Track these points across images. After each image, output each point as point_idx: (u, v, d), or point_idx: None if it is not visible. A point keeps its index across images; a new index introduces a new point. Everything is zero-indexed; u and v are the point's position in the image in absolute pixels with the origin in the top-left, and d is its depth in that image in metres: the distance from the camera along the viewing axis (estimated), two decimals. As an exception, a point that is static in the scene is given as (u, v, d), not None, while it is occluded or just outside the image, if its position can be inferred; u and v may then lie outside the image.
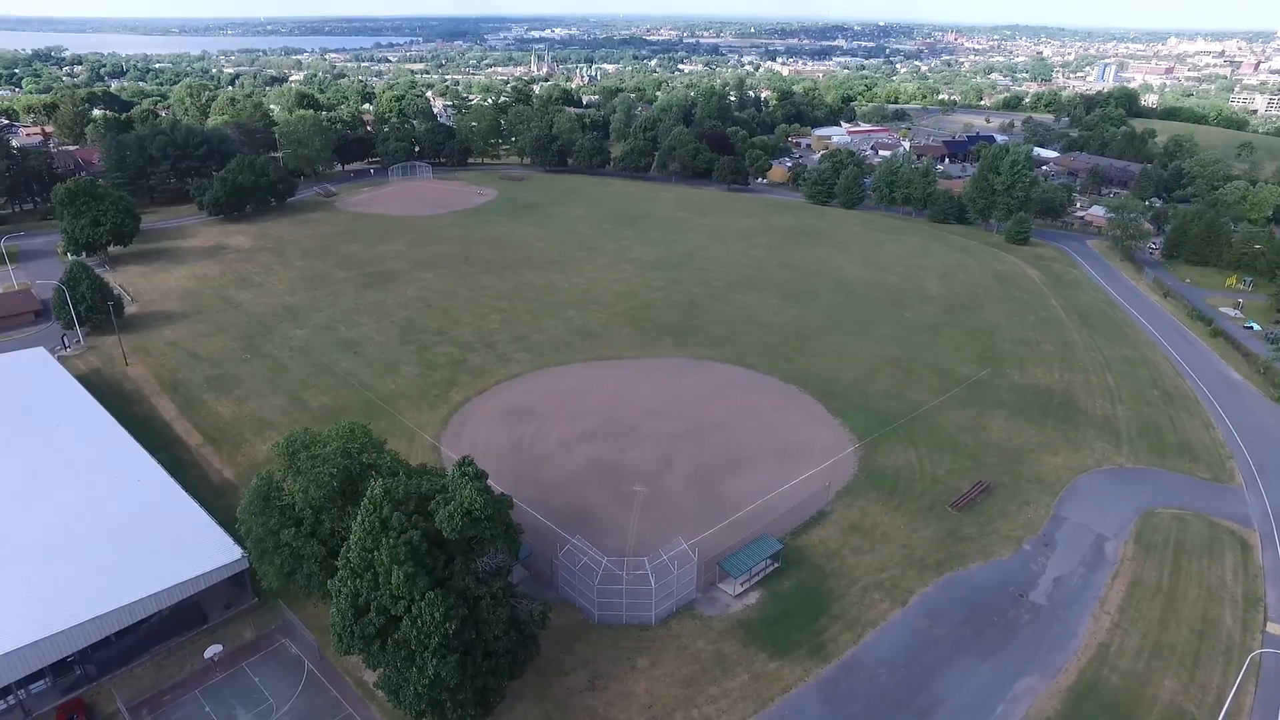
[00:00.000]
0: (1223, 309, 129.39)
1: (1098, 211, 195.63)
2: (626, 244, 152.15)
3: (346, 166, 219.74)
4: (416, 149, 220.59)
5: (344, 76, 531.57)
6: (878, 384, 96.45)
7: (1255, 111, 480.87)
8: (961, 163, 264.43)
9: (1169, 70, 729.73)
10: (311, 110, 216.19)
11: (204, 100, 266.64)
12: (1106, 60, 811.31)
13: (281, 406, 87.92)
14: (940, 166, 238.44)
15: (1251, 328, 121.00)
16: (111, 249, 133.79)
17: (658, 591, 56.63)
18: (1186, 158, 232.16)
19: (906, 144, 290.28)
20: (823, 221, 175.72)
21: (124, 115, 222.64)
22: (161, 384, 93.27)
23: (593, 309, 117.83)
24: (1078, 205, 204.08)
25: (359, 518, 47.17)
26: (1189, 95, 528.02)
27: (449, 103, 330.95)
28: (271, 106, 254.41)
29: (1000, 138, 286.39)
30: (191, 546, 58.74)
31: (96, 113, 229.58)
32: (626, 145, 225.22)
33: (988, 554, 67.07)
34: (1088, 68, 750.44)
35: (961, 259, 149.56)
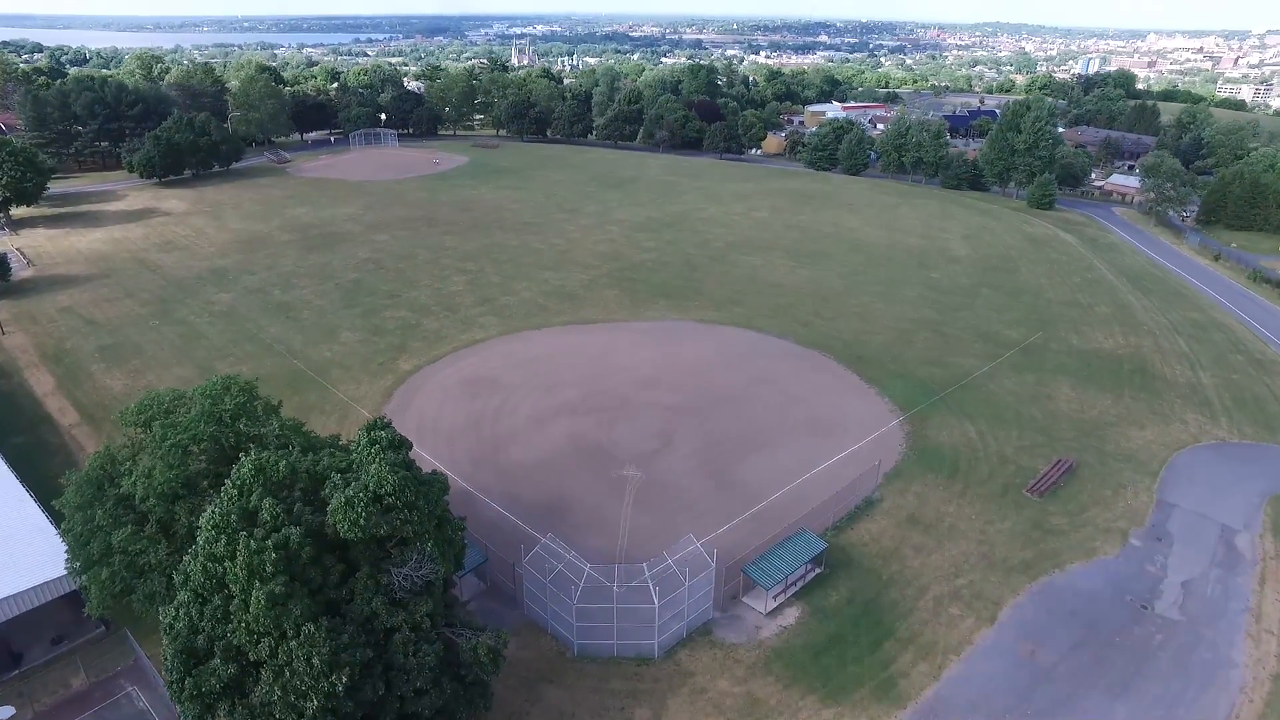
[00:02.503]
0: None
1: (1118, 180, 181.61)
2: (612, 206, 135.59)
3: (305, 136, 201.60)
4: (383, 117, 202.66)
5: (316, 65, 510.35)
6: (913, 349, 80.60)
7: (1244, 101, 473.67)
8: (964, 137, 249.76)
9: (1152, 64, 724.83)
10: (268, 75, 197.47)
11: (156, 73, 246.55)
12: (1089, 55, 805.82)
13: (187, 378, 70.46)
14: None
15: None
16: (14, 211, 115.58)
17: (663, 610, 40.18)
18: (1204, 128, 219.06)
19: (914, 115, 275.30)
20: (827, 186, 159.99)
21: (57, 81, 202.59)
22: (42, 355, 75.80)
23: (573, 270, 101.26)
24: (1094, 176, 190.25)
25: (209, 510, 30.57)
26: (1175, 87, 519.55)
27: (422, 81, 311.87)
28: (231, 82, 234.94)
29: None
30: (7, 556, 41.74)
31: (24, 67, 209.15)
32: (611, 112, 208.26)
33: (1088, 552, 51.24)
34: (1070, 61, 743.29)
35: (985, 221, 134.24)
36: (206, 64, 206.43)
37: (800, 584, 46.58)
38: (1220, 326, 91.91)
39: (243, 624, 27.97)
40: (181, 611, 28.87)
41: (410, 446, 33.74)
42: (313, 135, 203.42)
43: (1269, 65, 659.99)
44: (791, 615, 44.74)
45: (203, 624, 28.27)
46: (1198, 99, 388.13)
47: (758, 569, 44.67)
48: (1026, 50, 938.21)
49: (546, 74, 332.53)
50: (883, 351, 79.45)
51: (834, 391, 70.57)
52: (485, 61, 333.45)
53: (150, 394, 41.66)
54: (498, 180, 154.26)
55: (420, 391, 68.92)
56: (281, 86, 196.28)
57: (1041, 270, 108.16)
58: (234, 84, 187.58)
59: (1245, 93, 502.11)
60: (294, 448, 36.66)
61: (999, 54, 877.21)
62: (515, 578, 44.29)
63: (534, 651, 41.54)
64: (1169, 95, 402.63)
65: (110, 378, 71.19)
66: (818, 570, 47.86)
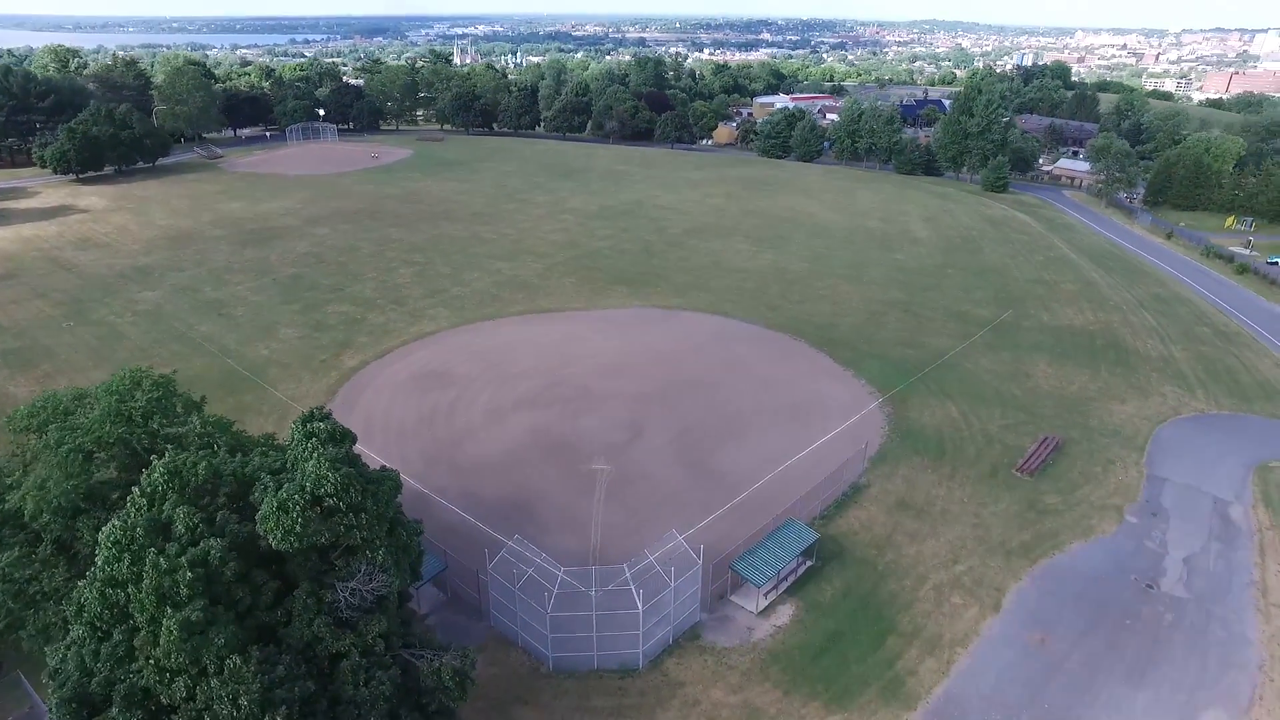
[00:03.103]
0: (1232, 249, 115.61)
1: (1066, 164, 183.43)
2: (564, 195, 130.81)
3: (239, 132, 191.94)
4: (321, 112, 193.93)
5: (250, 64, 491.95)
6: (886, 330, 77.93)
7: (1170, 93, 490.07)
8: (913, 126, 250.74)
9: (1081, 60, 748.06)
10: (197, 68, 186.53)
11: (74, 68, 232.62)
12: (1023, 50, 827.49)
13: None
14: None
15: (1276, 263, 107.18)
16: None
17: (647, 615, 36.01)
18: (1141, 114, 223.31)
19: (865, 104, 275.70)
20: (782, 172, 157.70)
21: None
22: (-62, 361, 68.26)
23: (527, 259, 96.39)
24: (1041, 161, 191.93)
25: (109, 525, 25.43)
26: (1105, 80, 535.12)
27: (362, 76, 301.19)
28: (157, 76, 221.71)
29: (948, 103, 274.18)
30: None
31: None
32: (559, 104, 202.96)
33: (1086, 530, 48.67)
34: (1005, 56, 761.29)
35: (943, 204, 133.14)
36: (129, 58, 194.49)
37: (792, 578, 42.90)
38: (1183, 301, 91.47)
39: (151, 661, 22.96)
40: (72, 651, 23.73)
41: (354, 439, 29.05)
42: (246, 131, 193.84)
43: (1186, 61, 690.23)
44: (785, 613, 41.01)
45: (99, 665, 23.15)
46: (1130, 90, 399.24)
47: (747, 565, 40.83)
48: (963, 46, 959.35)
49: (491, 68, 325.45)
50: (855, 333, 76.58)
51: (809, 375, 67.27)
52: (428, 56, 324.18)
53: (45, 395, 36.02)
54: (444, 172, 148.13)
55: (367, 388, 63.56)
56: (212, 81, 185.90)
57: (1004, 250, 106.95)
58: (160, 78, 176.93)
59: (1169, 85, 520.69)
60: (219, 448, 31.57)
61: (937, 50, 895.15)
62: (479, 586, 39.64)
63: (504, 668, 37.00)
64: (1103, 87, 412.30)
65: (14, 384, 64.21)
66: (809, 563, 44.26)
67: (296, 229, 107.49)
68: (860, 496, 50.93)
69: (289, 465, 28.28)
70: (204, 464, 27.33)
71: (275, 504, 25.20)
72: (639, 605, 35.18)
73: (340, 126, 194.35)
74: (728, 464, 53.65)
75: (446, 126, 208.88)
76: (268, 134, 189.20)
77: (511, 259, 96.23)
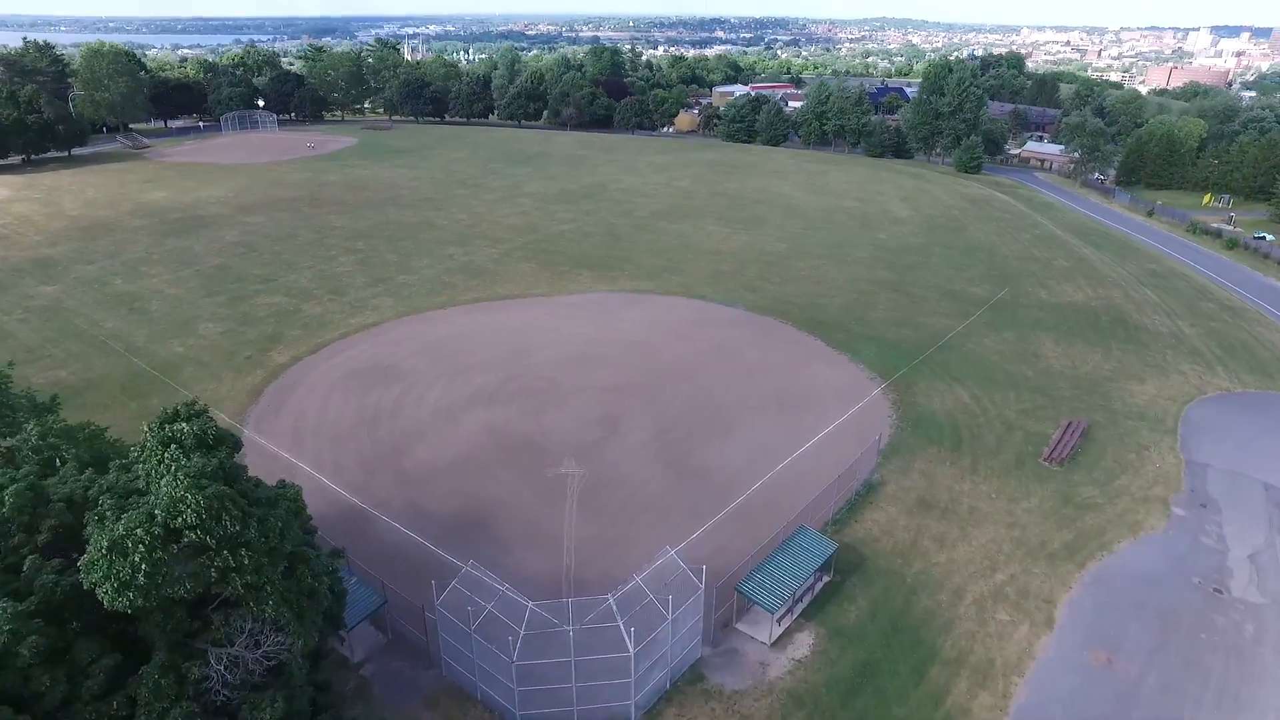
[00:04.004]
0: (1215, 225, 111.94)
1: (1034, 147, 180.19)
2: (520, 180, 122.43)
3: (169, 123, 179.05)
4: (260, 102, 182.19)
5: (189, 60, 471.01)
6: (877, 310, 71.42)
7: (1120, 84, 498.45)
8: (876, 114, 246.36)
9: (1028, 55, 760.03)
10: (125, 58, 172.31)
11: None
12: (971, 46, 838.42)
13: (-17, 388, 54.39)
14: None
15: (1264, 238, 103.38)
16: None
17: (640, 658, 28.38)
18: (1102, 98, 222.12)
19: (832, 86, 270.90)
20: (749, 156, 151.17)
21: None
22: None
23: (481, 244, 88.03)
24: (1009, 145, 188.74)
25: None
26: (1058, 72, 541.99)
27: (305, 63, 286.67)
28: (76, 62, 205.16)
29: (911, 89, 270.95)
30: None
31: None
32: (513, 90, 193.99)
33: (1132, 527, 42.33)
34: (955, 52, 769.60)
35: (919, 184, 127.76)
36: (45, 43, 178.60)
37: (809, 598, 35.65)
38: (1179, 276, 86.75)
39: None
40: None
41: (236, 447, 21.06)
42: (178, 123, 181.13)
43: (1126, 57, 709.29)
44: (804, 643, 33.72)
45: None
46: (1083, 80, 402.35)
47: (756, 585, 33.46)
48: (914, 43, 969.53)
49: (441, 59, 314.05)
50: (845, 314, 69.91)
51: (799, 360, 60.27)
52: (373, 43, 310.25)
53: None
54: (391, 160, 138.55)
55: (299, 387, 54.86)
56: (138, 68, 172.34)
57: (989, 228, 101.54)
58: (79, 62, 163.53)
59: (1115, 79, 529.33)
60: (64, 462, 23.16)
61: (888, 46, 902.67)
62: (427, 626, 31.60)
63: (458, 731, 29.14)
64: (1057, 76, 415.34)
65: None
66: (827, 578, 37.07)
67: (227, 218, 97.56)
68: (875, 496, 43.95)
69: (145, 477, 20.09)
70: (13, 487, 19.01)
71: (106, 543, 17.04)
72: (630, 646, 27.55)
73: (281, 117, 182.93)
74: (717, 463, 46.26)
75: (395, 117, 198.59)
76: (201, 125, 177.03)
77: (464, 244, 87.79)
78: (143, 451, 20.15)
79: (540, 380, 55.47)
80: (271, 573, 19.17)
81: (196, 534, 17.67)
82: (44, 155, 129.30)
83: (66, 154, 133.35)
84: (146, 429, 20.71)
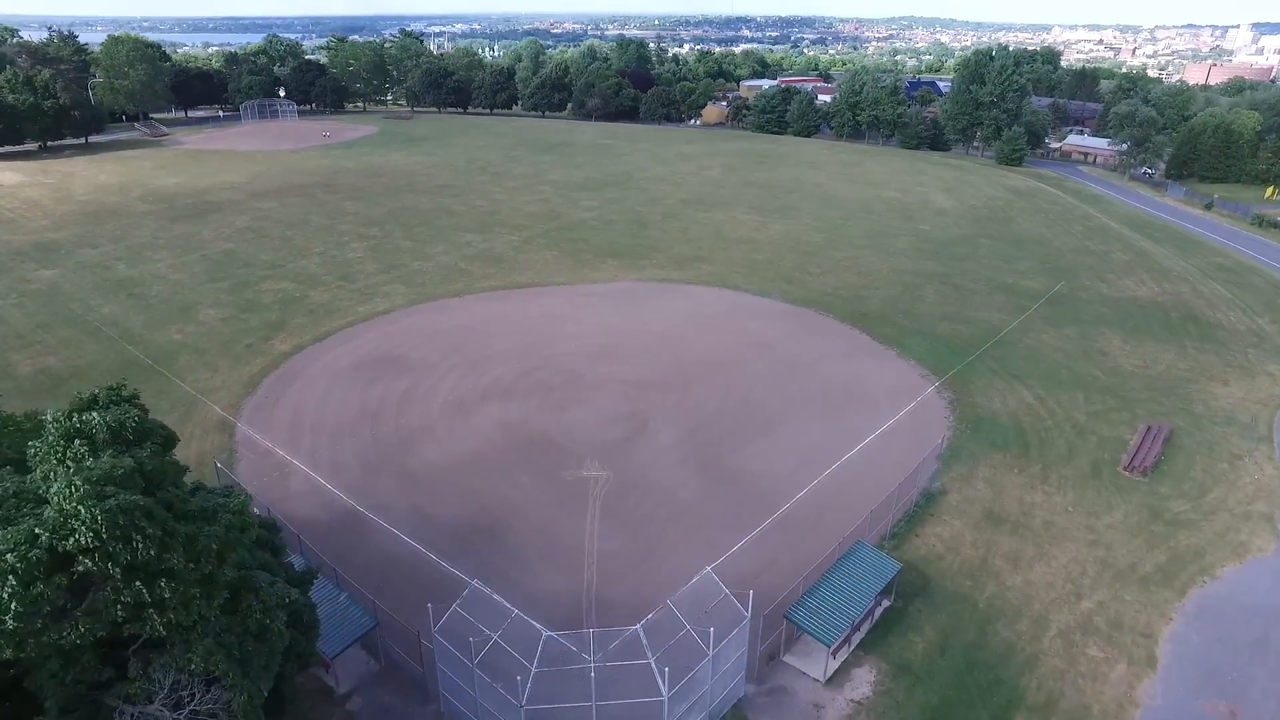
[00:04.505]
0: None
1: (1076, 140, 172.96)
2: (544, 168, 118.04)
3: (190, 112, 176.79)
4: (281, 92, 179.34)
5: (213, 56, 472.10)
6: (925, 303, 66.07)
7: (1160, 80, 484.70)
8: (908, 107, 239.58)
9: (1061, 54, 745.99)
10: (150, 49, 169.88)
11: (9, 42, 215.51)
12: (1002, 45, 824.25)
13: (-34, 375, 50.99)
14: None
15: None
16: None
17: (675, 702, 23.60)
18: (1147, 90, 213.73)
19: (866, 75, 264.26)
20: (780, 147, 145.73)
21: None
22: None
23: (500, 231, 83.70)
24: (1049, 139, 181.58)
25: None
26: (1096, 68, 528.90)
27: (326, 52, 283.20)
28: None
29: (943, 84, 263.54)
30: None
31: None
32: (537, 80, 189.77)
33: (1236, 549, 36.84)
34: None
35: (960, 175, 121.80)
36: (69, 33, 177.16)
37: (867, 625, 30.69)
38: (1250, 270, 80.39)
39: None
40: None
41: (167, 443, 16.52)
42: (200, 112, 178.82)
43: (1162, 55, 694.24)
44: (864, 680, 28.77)
45: None
46: (1122, 75, 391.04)
47: (809, 613, 28.56)
48: (943, 41, 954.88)
49: (465, 51, 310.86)
50: (890, 307, 64.65)
51: (844, 355, 55.16)
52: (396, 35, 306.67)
53: None
54: (411, 147, 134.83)
55: (300, 377, 50.68)
56: (159, 56, 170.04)
57: (1038, 220, 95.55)
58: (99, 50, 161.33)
59: (1152, 75, 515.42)
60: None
61: (916, 45, 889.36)
62: (424, 656, 27.02)
63: (457, 785, 24.54)
64: (1094, 71, 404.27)
65: None
66: (887, 603, 32.07)
67: (238, 203, 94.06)
68: (937, 506, 38.83)
69: (43, 479, 15.62)
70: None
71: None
72: (663, 689, 22.78)
73: (301, 108, 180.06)
74: (758, 467, 41.36)
75: (417, 108, 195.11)
76: (221, 114, 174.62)
77: (483, 231, 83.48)
78: (42, 448, 15.75)
79: (560, 373, 50.87)
80: (205, 608, 14.71)
81: (94, 560, 13.28)
82: (61, 142, 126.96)
83: (84, 141, 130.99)
84: (50, 419, 16.33)
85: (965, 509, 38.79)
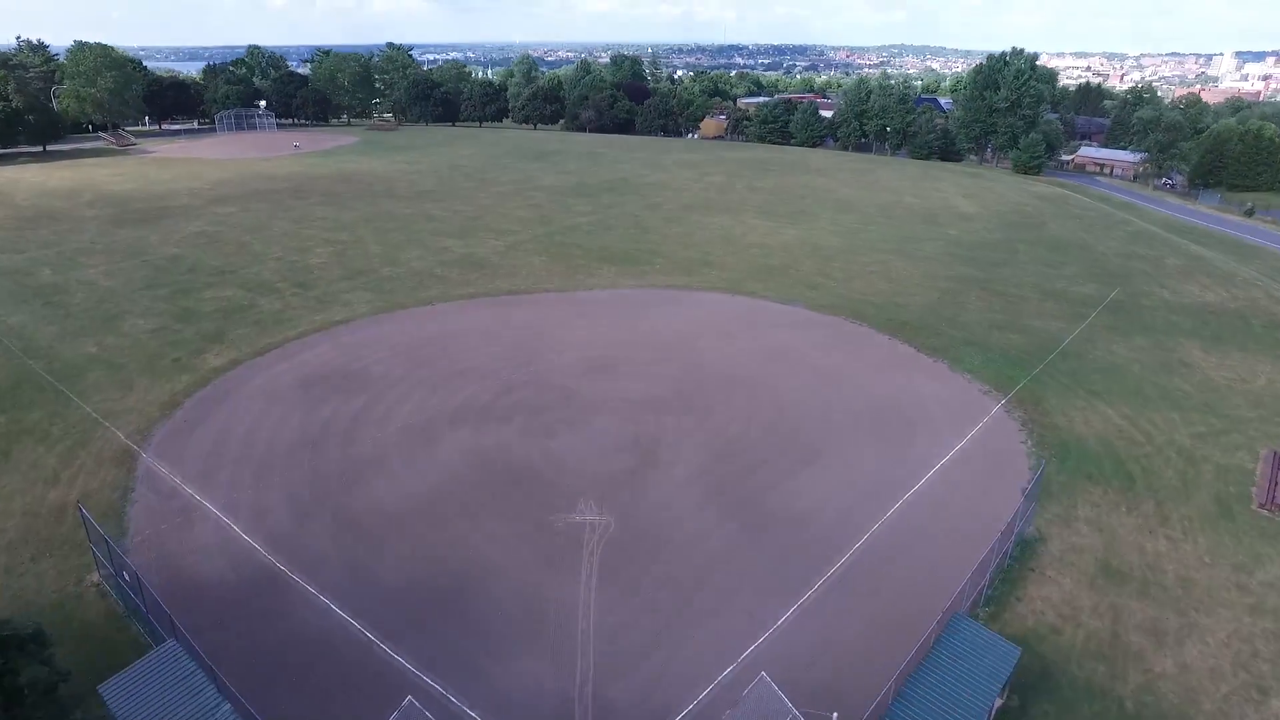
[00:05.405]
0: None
1: (1090, 152, 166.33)
2: (534, 174, 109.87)
3: (165, 125, 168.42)
4: (262, 104, 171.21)
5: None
6: (970, 311, 57.52)
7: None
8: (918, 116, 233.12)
9: (1056, 74, 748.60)
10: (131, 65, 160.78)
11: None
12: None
13: None
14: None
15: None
16: None
17: None
18: (1157, 105, 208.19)
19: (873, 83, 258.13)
20: (786, 155, 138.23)
21: None
22: None
23: (484, 236, 75.11)
24: (1061, 151, 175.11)
25: None
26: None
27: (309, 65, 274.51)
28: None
29: (945, 102, 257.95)
30: None
31: None
32: (529, 91, 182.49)
33: None
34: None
35: (978, 183, 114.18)
36: (39, 42, 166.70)
37: (983, 743, 21.50)
38: (1319, 276, 72.29)
39: None
40: None
41: None
42: (176, 127, 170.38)
43: (1150, 80, 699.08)
44: (992, 833, 19.55)
45: None
46: (1120, 96, 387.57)
47: (909, 730, 19.39)
48: (934, 68, 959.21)
49: (455, 64, 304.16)
50: (931, 315, 56.06)
51: (888, 367, 46.38)
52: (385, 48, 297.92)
53: None
54: (392, 155, 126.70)
55: (230, 398, 41.53)
56: (132, 67, 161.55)
57: (1074, 225, 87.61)
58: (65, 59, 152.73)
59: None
60: None
61: (908, 71, 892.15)
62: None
63: None
64: (1098, 89, 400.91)
65: None
66: (999, 702, 22.93)
67: (196, 208, 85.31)
68: (1035, 557, 29.85)
69: None
70: None
71: None
72: None
73: (283, 121, 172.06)
74: (802, 506, 32.34)
75: (404, 122, 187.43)
76: (197, 125, 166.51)
77: (465, 236, 74.87)
78: None
79: (549, 391, 41.91)
80: None
81: None
82: (14, 150, 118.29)
83: (41, 149, 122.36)
84: None
85: (1073, 561, 29.80)
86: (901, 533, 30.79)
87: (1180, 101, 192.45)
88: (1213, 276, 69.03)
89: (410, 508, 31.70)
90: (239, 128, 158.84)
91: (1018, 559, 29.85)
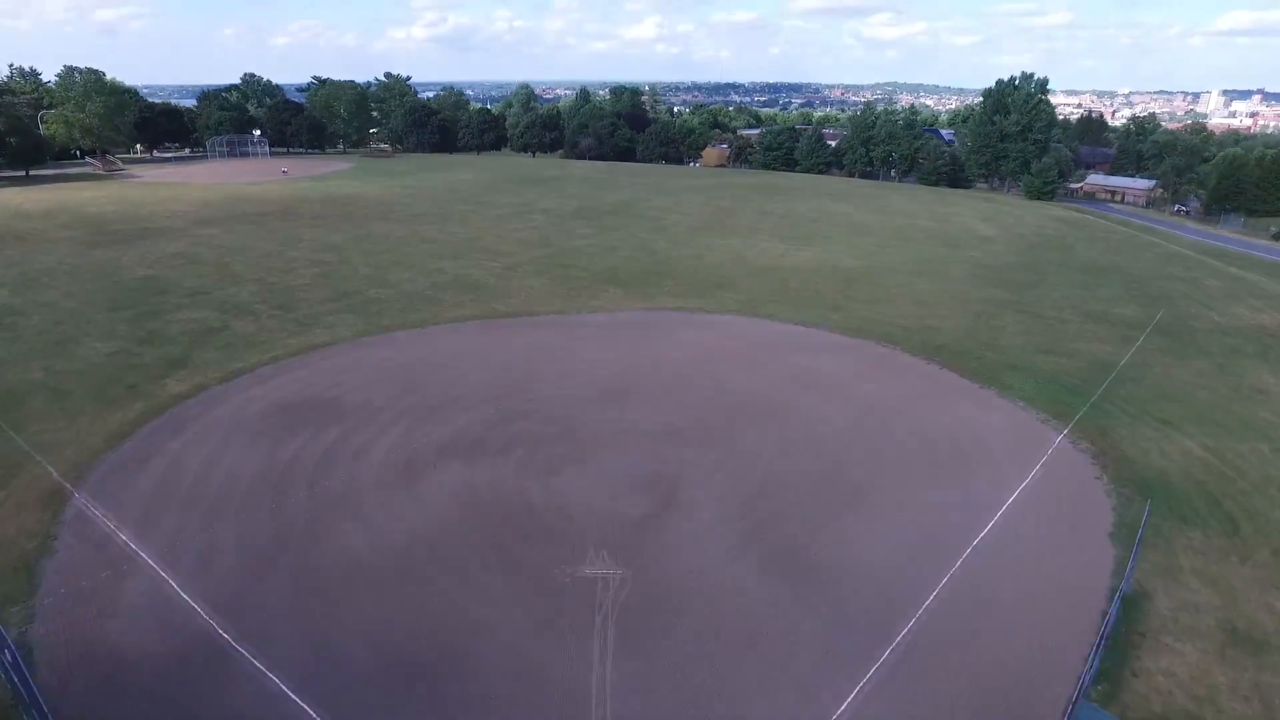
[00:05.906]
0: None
1: (1098, 179, 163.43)
2: (533, 199, 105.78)
3: (157, 152, 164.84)
4: (256, 133, 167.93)
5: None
6: (1008, 335, 52.77)
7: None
8: (926, 142, 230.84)
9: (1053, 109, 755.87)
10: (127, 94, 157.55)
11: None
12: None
13: None
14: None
15: None
16: None
17: None
18: (1158, 132, 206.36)
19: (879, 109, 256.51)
20: (793, 181, 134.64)
21: None
22: None
23: (480, 258, 70.56)
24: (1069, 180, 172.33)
25: None
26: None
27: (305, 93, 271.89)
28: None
29: (947, 134, 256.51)
30: None
31: None
32: (527, 119, 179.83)
33: None
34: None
35: (994, 207, 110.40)
36: (30, 69, 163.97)
37: None
38: (1371, 299, 67.77)
39: None
40: None
41: None
42: (168, 155, 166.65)
43: (1140, 117, 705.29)
44: None
45: None
46: (1122, 127, 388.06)
47: None
48: (929, 105, 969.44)
49: (452, 91, 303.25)
50: (967, 337, 51.30)
51: (932, 395, 41.40)
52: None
53: None
54: (386, 180, 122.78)
55: (189, 427, 36.39)
56: (125, 93, 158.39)
57: (1101, 247, 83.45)
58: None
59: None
60: None
61: (902, 108, 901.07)
62: None
63: None
64: (1100, 120, 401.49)
65: None
66: (1143, 822, 17.53)
67: (177, 230, 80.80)
68: (1145, 620, 24.58)
69: None
70: None
71: None
72: None
73: (277, 150, 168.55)
74: (852, 557, 27.12)
75: (401, 150, 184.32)
76: (189, 151, 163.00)
77: (460, 258, 70.30)
78: None
79: (551, 422, 36.81)
80: None
81: None
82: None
83: (24, 173, 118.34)
84: None
85: (1192, 624, 24.54)
86: (975, 587, 25.57)
87: (1188, 129, 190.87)
88: (1260, 298, 64.53)
89: (387, 561, 26.43)
90: (231, 154, 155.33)
91: (1122, 621, 24.60)
